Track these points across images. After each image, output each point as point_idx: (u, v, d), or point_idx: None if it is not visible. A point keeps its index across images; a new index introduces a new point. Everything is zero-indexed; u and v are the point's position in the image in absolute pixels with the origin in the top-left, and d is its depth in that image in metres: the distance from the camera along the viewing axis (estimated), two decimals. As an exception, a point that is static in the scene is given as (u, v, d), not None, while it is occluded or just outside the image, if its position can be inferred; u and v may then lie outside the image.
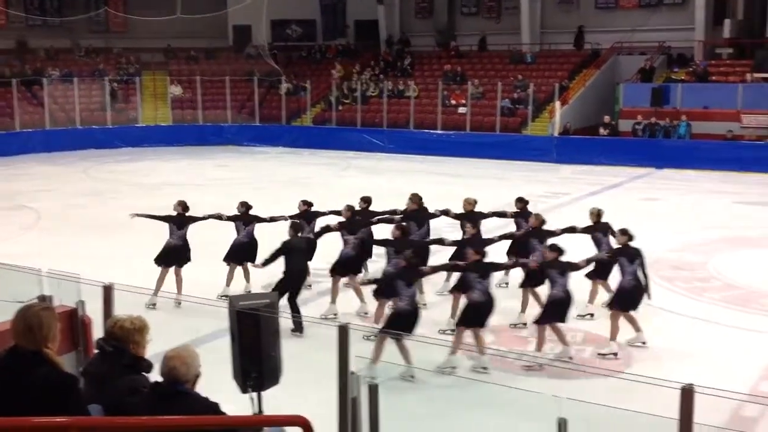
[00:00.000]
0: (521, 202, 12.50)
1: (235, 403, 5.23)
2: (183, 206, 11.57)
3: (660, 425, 4.21)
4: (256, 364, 5.63)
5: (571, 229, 11.47)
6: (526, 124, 29.05)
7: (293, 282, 10.39)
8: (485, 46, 34.08)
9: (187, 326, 9.80)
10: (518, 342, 10.05)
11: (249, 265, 11.72)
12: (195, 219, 11.60)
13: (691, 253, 14.51)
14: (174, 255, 11.33)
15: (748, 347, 9.91)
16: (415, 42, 36.05)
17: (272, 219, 12.07)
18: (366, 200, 12.43)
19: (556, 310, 9.30)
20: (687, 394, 3.92)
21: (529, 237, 11.24)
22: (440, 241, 11.27)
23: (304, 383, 7.44)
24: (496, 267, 9.86)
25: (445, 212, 12.34)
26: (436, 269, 10.06)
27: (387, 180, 23.20)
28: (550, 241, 10.56)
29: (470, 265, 9.39)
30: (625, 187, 22.18)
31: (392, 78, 33.04)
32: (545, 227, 11.29)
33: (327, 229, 11.53)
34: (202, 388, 4.37)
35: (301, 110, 33.51)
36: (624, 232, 10.14)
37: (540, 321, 9.36)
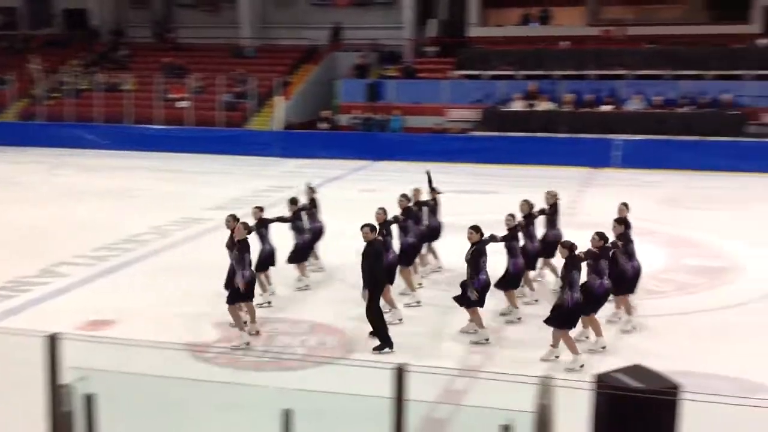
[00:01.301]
0: (409, 197, 12.50)
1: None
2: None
3: (376, 405, 4.42)
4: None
5: (542, 212, 11.86)
6: (249, 118, 29.07)
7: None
8: (163, 36, 33.63)
9: None
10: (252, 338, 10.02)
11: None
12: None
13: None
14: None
15: (461, 325, 10.70)
16: (131, 33, 34.58)
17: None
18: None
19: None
20: (399, 374, 4.15)
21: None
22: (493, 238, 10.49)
23: (10, 400, 6.85)
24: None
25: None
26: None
27: (106, 178, 22.08)
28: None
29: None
30: (346, 179, 22.99)
31: (107, 71, 31.41)
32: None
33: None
34: None
35: (3, 105, 30.78)
36: (621, 221, 10.36)
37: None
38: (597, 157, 24.02)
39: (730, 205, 14.81)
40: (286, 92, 28.99)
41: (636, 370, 5.94)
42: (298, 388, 5.41)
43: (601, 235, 9.59)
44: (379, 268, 9.72)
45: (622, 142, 23.98)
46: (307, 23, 32.53)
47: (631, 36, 29.01)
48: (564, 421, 5.76)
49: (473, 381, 8.57)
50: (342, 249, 14.69)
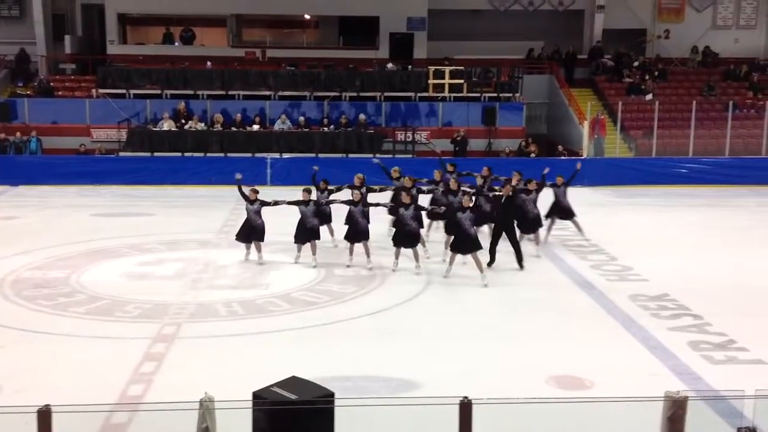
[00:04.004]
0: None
1: None
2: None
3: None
4: None
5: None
6: None
7: None
8: None
9: None
10: None
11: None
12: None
13: (53, 269, 14.34)
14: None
15: (115, 355, 10.22)
16: None
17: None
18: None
19: None
20: (43, 416, 3.82)
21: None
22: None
23: None
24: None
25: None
26: None
27: None
28: None
29: None
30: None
31: None
32: None
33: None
34: None
35: None
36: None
37: None
38: (251, 176, 24.37)
39: (380, 215, 16.08)
40: None
41: (292, 383, 6.13)
42: None
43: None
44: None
45: (271, 160, 24.68)
46: None
47: (272, 58, 30.06)
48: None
49: (135, 411, 8.23)
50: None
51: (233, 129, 25.84)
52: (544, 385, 9.19)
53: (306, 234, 14.53)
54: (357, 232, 14.40)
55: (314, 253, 14.56)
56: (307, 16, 32.78)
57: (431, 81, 27.09)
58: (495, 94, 27.39)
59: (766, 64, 30.88)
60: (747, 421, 6.74)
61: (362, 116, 26.47)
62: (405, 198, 14.12)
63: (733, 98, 27.38)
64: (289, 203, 14.64)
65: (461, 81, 27.17)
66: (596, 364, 9.95)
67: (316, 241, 14.70)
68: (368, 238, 14.46)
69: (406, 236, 14.12)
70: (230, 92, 27.16)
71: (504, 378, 9.42)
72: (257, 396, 5.96)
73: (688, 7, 32.26)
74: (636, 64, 30.14)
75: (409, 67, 28.88)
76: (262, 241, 14.71)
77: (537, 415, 6.63)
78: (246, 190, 14.85)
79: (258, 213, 14.64)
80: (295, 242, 14.67)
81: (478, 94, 27.33)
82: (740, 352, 10.45)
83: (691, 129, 25.82)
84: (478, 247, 13.52)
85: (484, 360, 10.15)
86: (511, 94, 27.66)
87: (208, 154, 24.96)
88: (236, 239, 14.94)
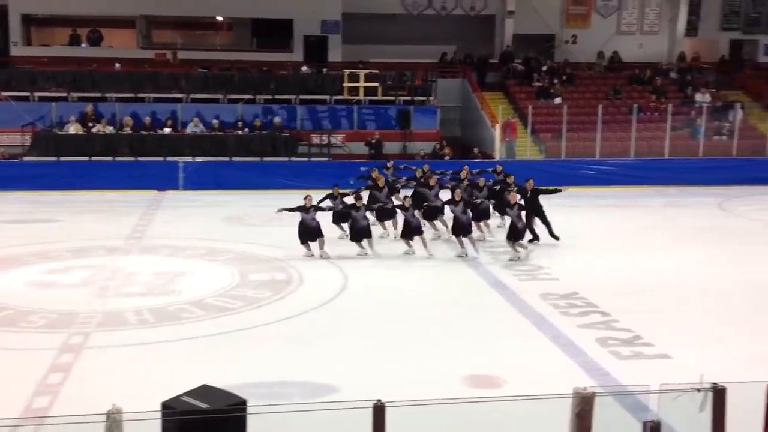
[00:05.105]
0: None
1: None
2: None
3: None
4: None
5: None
6: None
7: None
8: None
9: None
10: None
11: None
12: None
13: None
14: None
15: (20, 366, 9.87)
16: None
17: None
18: None
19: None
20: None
21: None
22: None
23: None
24: None
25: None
26: None
27: None
28: None
29: None
30: None
31: None
32: None
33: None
34: None
35: None
36: None
37: None
38: (163, 180, 23.94)
39: (290, 220, 16.07)
40: None
41: (203, 391, 6.02)
42: None
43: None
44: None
45: (184, 164, 24.24)
46: None
47: (183, 60, 29.55)
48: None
49: (41, 424, 7.96)
50: None
51: (143, 132, 25.27)
52: (457, 385, 9.30)
53: (360, 234, 15.90)
54: (410, 230, 16.05)
55: (372, 247, 15.96)
56: (219, 18, 32.36)
57: (346, 84, 27.10)
58: (409, 98, 27.60)
59: (668, 69, 32.05)
60: (652, 415, 6.96)
61: (277, 119, 26.30)
62: (457, 196, 16.01)
63: (637, 102, 28.31)
64: (342, 208, 16.26)
65: (376, 84, 27.27)
66: (509, 363, 10.13)
67: (367, 239, 16.02)
68: (422, 233, 16.10)
69: (462, 227, 16.06)
70: (140, 95, 26.59)
71: (418, 379, 9.48)
72: (166, 406, 5.84)
73: (594, 13, 33.25)
74: (545, 68, 30.84)
75: (324, 70, 28.84)
76: (322, 237, 15.66)
77: (450, 416, 6.71)
78: (294, 206, 15.67)
79: (313, 217, 15.66)
80: (352, 240, 16.03)
81: (393, 98, 27.50)
82: (646, 347, 10.81)
83: (597, 132, 26.57)
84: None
85: (398, 362, 10.21)
86: (425, 98, 27.92)
87: (117, 158, 24.38)
88: (300, 243, 15.66)
